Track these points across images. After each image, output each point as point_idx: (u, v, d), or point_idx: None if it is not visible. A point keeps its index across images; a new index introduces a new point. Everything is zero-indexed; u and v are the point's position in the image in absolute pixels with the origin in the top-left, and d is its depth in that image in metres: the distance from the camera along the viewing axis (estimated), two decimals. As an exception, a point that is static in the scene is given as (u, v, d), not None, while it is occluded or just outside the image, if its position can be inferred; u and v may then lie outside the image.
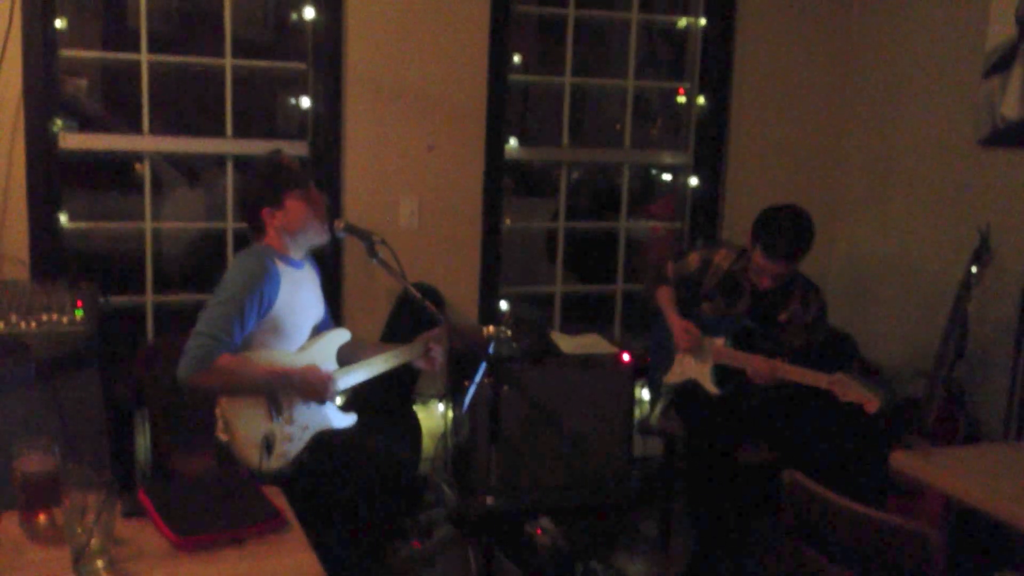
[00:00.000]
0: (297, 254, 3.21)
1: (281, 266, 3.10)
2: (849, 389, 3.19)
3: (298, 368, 3.08)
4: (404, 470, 3.13)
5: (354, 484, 3.01)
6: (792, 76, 4.75)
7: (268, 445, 2.93)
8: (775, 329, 3.59)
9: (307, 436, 3.09)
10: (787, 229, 3.45)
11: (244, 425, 2.96)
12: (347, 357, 3.31)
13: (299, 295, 3.16)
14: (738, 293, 3.66)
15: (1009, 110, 3.95)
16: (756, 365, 3.45)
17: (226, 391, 2.96)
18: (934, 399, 3.74)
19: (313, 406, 3.13)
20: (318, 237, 3.20)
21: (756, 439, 3.71)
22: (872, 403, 3.16)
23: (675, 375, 3.75)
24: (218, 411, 2.98)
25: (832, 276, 4.79)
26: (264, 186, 3.14)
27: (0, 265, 3.60)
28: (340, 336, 3.30)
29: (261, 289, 2.98)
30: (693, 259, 3.81)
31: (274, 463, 2.97)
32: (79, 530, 1.79)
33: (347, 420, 3.25)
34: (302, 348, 3.17)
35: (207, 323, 2.93)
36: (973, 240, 3.82)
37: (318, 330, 3.31)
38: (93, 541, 1.79)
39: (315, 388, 3.07)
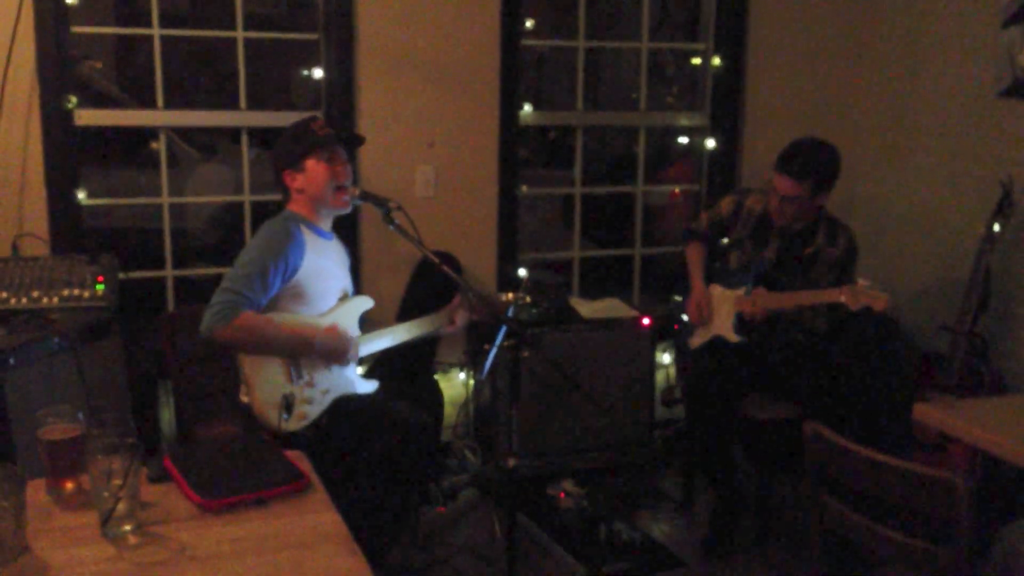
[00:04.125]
0: (324, 223, 3.23)
1: (307, 233, 3.13)
2: (858, 295, 3.20)
3: (320, 329, 3.10)
4: (424, 434, 3.14)
5: (373, 447, 3.03)
6: (808, 33, 4.70)
7: (287, 405, 2.95)
8: (802, 263, 3.59)
9: (327, 400, 3.11)
10: (804, 149, 3.50)
11: (264, 385, 2.99)
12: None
13: (325, 263, 3.18)
14: (768, 236, 3.65)
15: (1029, 60, 3.90)
16: (749, 308, 3.49)
17: (248, 348, 2.99)
18: (958, 353, 3.72)
19: (334, 370, 3.15)
20: (336, 204, 3.19)
21: (776, 395, 3.70)
22: (879, 301, 3.17)
23: (700, 338, 3.75)
24: (242, 373, 3.01)
25: (853, 232, 4.75)
26: (286, 148, 3.18)
27: (21, 242, 3.61)
28: (363, 303, 3.31)
29: (285, 253, 3.01)
30: (727, 203, 3.83)
31: (293, 424, 3.00)
32: (106, 494, 1.81)
33: (368, 386, 3.28)
34: (325, 313, 3.18)
35: (232, 280, 2.96)
36: (995, 193, 3.78)
37: None
38: (120, 505, 1.81)
39: (336, 349, 3.10)
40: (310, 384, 3.08)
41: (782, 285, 3.56)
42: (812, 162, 3.47)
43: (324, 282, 3.17)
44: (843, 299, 3.24)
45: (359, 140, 3.45)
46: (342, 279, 3.30)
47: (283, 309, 3.07)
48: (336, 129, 3.32)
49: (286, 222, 3.12)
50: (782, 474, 3.83)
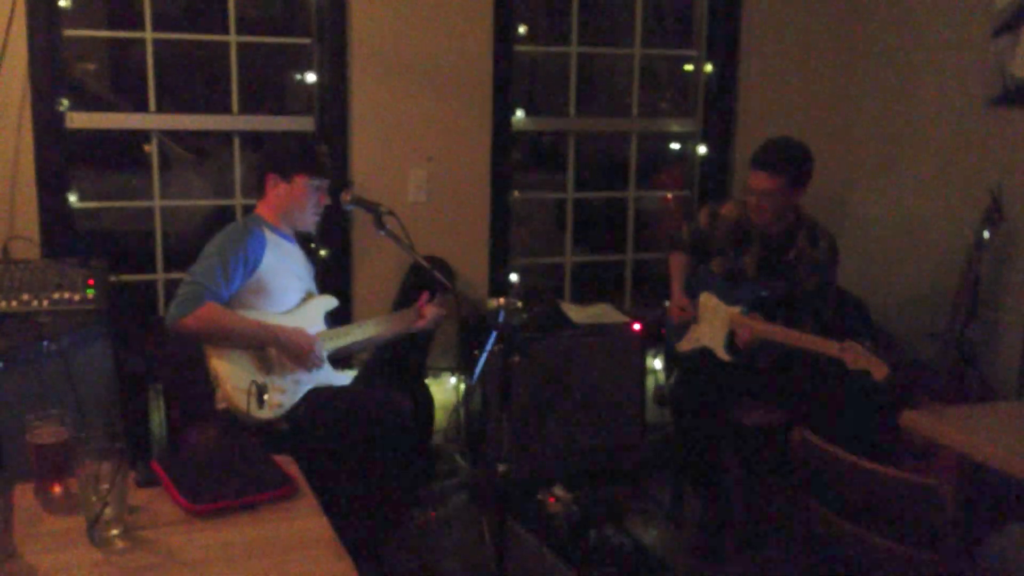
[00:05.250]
0: (285, 229, 3.32)
1: (269, 233, 3.22)
2: (859, 356, 3.19)
3: (287, 327, 3.14)
4: (402, 414, 3.16)
5: (354, 432, 3.05)
6: (800, 40, 4.71)
7: (260, 393, 2.97)
8: (785, 268, 3.61)
9: (301, 390, 3.15)
10: (774, 142, 3.57)
11: (233, 373, 3.02)
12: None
13: (287, 262, 3.26)
14: (747, 241, 3.68)
15: (1019, 69, 3.91)
16: (742, 332, 3.49)
17: (212, 339, 3.03)
18: (946, 361, 3.73)
19: None
20: (303, 225, 3.33)
21: (766, 401, 3.71)
22: (880, 370, 3.15)
23: (689, 342, 3.76)
24: (210, 366, 3.03)
25: (844, 241, 4.74)
26: (283, 156, 3.29)
27: (12, 245, 3.61)
28: (327, 302, 3.39)
29: (245, 247, 3.08)
30: (703, 214, 3.87)
31: (267, 412, 3.03)
32: (93, 499, 1.81)
33: (343, 378, 3.33)
34: (289, 311, 3.23)
35: (194, 274, 3.04)
36: (984, 201, 3.80)
37: None
38: (107, 509, 1.81)
39: (300, 348, 3.13)
40: (281, 374, 3.11)
41: (773, 313, 3.56)
42: (786, 156, 3.52)
43: (286, 279, 3.24)
44: (843, 356, 3.22)
45: (346, 184, 3.64)
46: (305, 280, 3.37)
47: (246, 304, 3.12)
48: (333, 164, 3.50)
49: (248, 223, 3.23)
50: (771, 480, 3.84)
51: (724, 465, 3.70)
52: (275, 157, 3.30)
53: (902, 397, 3.79)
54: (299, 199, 3.24)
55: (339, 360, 3.40)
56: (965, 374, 3.75)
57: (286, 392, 3.11)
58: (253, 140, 4.14)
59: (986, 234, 3.75)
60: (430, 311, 3.46)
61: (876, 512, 2.33)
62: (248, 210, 4.04)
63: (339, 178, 3.61)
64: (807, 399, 3.63)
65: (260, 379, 3.03)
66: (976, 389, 3.70)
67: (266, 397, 2.99)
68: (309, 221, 3.31)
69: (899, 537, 2.28)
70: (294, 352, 3.13)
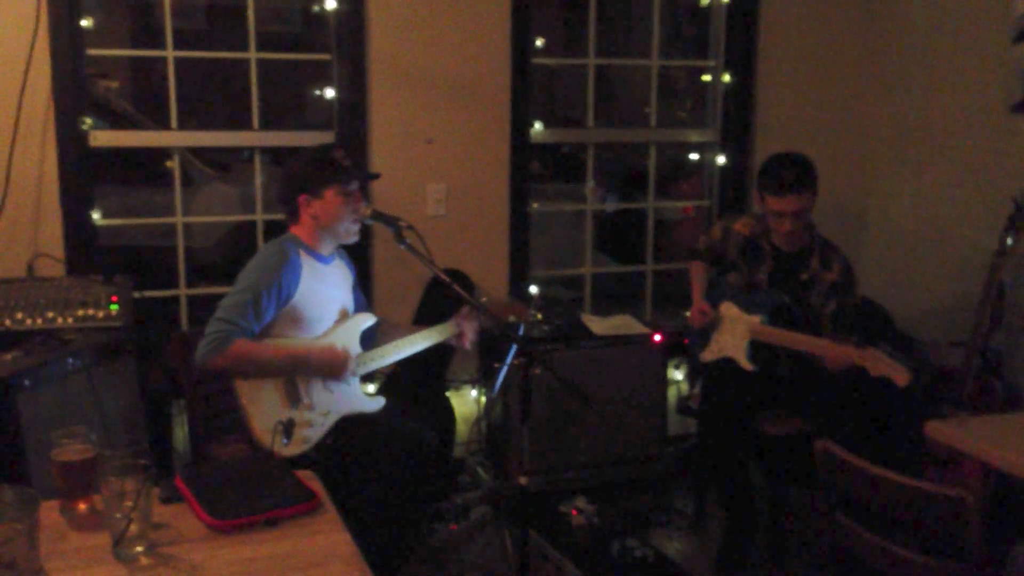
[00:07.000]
0: (325, 248, 3.23)
1: (305, 257, 3.13)
2: (879, 363, 3.17)
3: (314, 348, 3.10)
4: (431, 452, 3.14)
5: (381, 467, 3.03)
6: (818, 49, 4.70)
7: (286, 431, 2.95)
8: (799, 287, 3.60)
9: (329, 421, 3.11)
10: (787, 164, 3.54)
11: (262, 413, 2.99)
12: (379, 340, 3.34)
13: (322, 288, 3.18)
14: (760, 258, 3.68)
15: (1040, 75, 3.89)
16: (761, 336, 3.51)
17: (242, 374, 2.99)
18: (971, 369, 3.70)
19: (335, 391, 3.14)
20: (346, 236, 3.23)
21: (789, 411, 3.70)
22: (902, 376, 3.14)
23: (711, 353, 3.76)
24: (239, 402, 3.01)
25: (866, 249, 4.75)
26: (308, 173, 3.17)
27: (36, 263, 3.65)
28: (363, 320, 3.31)
29: (279, 278, 3.02)
30: (716, 229, 3.89)
31: (295, 448, 2.99)
32: (118, 515, 1.82)
33: (374, 404, 3.27)
34: (322, 336, 3.18)
35: (225, 309, 2.98)
36: (1008, 207, 3.77)
37: None
38: (132, 526, 1.82)
39: (332, 365, 3.09)
40: (309, 407, 3.07)
41: (792, 321, 3.56)
42: (804, 171, 3.53)
43: (321, 307, 3.18)
44: (863, 363, 3.21)
45: (375, 176, 3.50)
46: (341, 300, 3.30)
47: (279, 334, 3.08)
48: (354, 160, 3.35)
49: (283, 245, 3.12)
50: (796, 489, 3.82)
51: (748, 475, 3.68)
52: (300, 176, 3.18)
53: (926, 406, 3.77)
54: (336, 214, 3.15)
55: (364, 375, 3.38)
56: (990, 383, 3.72)
57: (314, 425, 3.07)
58: (274, 156, 4.17)
59: (1010, 241, 3.72)
60: (470, 329, 3.38)
61: (900, 523, 2.31)
62: (270, 226, 4.08)
63: (365, 174, 3.51)
64: (830, 409, 3.61)
65: (287, 415, 3.01)
66: (1002, 398, 3.67)
67: (293, 430, 2.98)
68: (351, 231, 3.21)
69: (924, 548, 2.27)
70: (327, 371, 3.10)
